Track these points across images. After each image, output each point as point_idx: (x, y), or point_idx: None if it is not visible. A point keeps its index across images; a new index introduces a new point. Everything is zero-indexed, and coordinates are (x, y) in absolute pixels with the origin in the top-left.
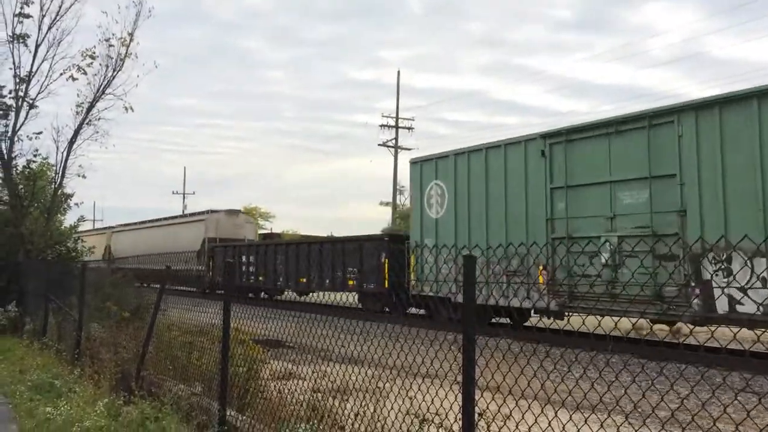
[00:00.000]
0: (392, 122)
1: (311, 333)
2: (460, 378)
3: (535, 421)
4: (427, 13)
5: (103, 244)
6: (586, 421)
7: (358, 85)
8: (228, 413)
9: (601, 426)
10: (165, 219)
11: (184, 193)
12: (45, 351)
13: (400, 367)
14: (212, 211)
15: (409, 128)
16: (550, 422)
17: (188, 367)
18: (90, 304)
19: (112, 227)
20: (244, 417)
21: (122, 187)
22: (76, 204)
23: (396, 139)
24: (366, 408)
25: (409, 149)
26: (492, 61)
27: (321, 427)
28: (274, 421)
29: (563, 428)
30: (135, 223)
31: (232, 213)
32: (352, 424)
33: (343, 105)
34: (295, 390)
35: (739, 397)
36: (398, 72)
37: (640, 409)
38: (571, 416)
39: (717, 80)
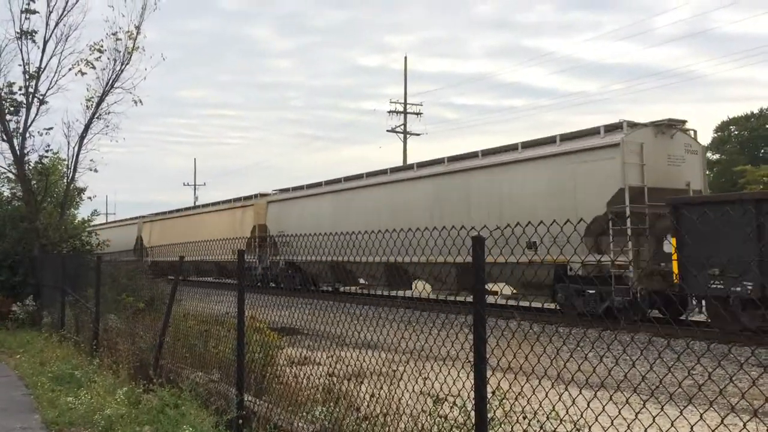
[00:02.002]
0: (400, 108)
1: (325, 319)
2: (471, 358)
3: (546, 397)
4: None
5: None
6: (595, 396)
7: (366, 72)
8: (246, 398)
9: (610, 400)
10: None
11: (195, 185)
12: (64, 343)
13: (413, 349)
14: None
15: (418, 114)
16: (560, 397)
17: (205, 354)
18: (106, 296)
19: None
20: (262, 401)
21: (133, 180)
22: (89, 198)
23: (405, 124)
24: (381, 390)
25: (418, 134)
26: (500, 44)
27: (337, 410)
28: (291, 404)
29: (573, 403)
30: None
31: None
32: (368, 406)
33: (351, 92)
34: (311, 375)
35: (746, 369)
36: (405, 57)
37: (648, 384)
38: (580, 391)
39: (727, 56)
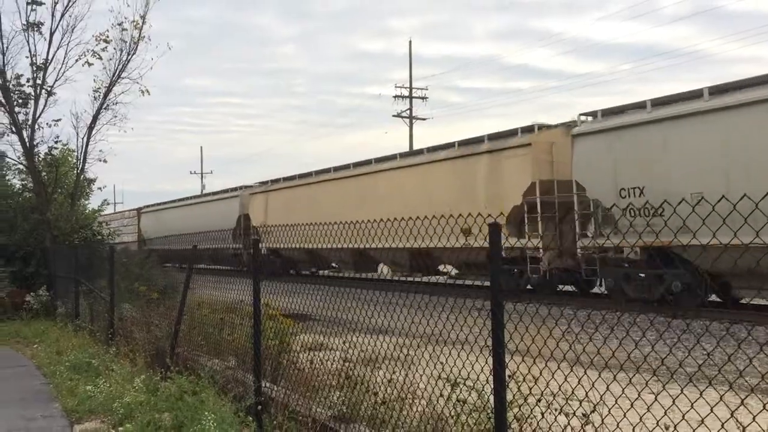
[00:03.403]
0: (406, 93)
1: (338, 305)
2: (488, 343)
3: (565, 380)
4: None
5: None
6: (614, 378)
7: (369, 57)
8: (263, 384)
9: (630, 382)
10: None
11: (201, 173)
12: (79, 332)
13: (430, 334)
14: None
15: (423, 98)
16: (579, 380)
17: (221, 342)
18: (120, 285)
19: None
20: (279, 387)
21: (139, 169)
22: (99, 188)
23: (410, 109)
24: (398, 375)
25: (424, 119)
26: (505, 26)
27: (355, 394)
28: (308, 390)
29: (593, 386)
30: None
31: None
32: (385, 390)
33: (355, 77)
34: (327, 360)
35: (766, 350)
36: (410, 41)
37: (667, 366)
38: (600, 374)
39: (734, 35)
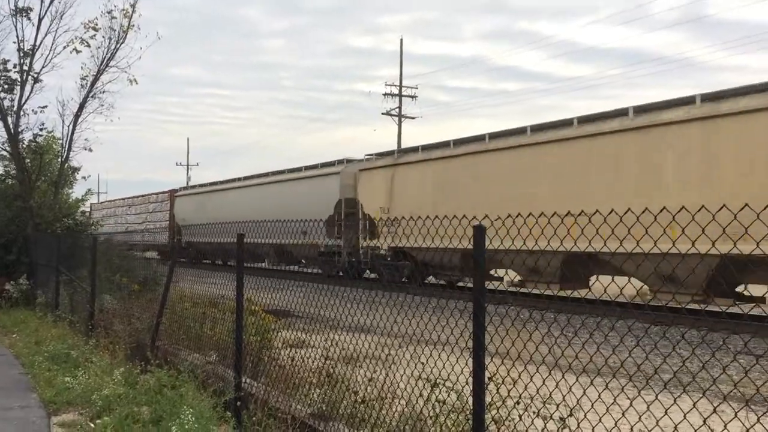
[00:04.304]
0: (395, 90)
1: (321, 303)
2: (469, 345)
3: (543, 383)
4: None
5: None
6: (591, 383)
7: (359, 53)
8: (243, 380)
9: (606, 387)
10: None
11: (188, 165)
12: (58, 323)
13: (411, 334)
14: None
15: (413, 96)
16: (557, 384)
17: (202, 336)
18: (101, 276)
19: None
20: (259, 384)
21: (124, 159)
22: (83, 177)
23: (399, 107)
24: (378, 374)
25: (413, 117)
26: (495, 27)
27: (334, 393)
28: (288, 387)
29: (570, 390)
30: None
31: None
32: (365, 389)
33: (344, 74)
34: (307, 357)
35: (739, 359)
36: (401, 40)
37: (643, 372)
38: (577, 379)
39: (722, 43)
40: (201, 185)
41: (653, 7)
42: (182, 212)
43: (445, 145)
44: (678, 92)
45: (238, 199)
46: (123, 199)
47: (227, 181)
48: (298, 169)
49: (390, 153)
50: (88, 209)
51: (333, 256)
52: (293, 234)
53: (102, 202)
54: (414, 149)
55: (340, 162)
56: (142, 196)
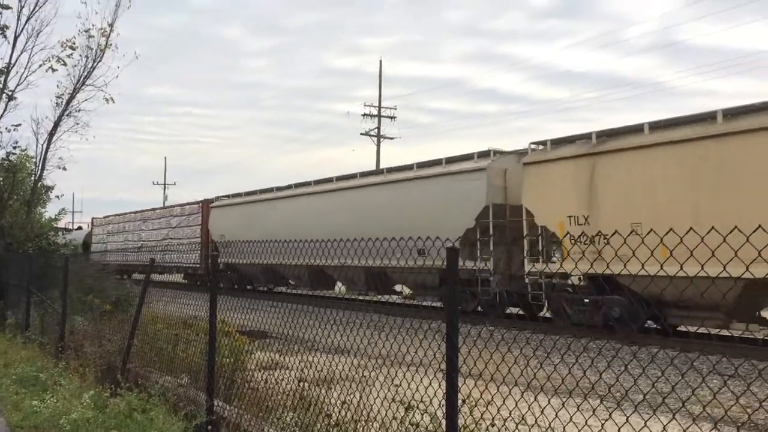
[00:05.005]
0: (375, 111)
1: (296, 323)
2: (443, 366)
3: (516, 406)
4: (406, 0)
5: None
6: (563, 405)
7: (340, 74)
8: (215, 403)
9: (578, 409)
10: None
11: (165, 184)
12: (28, 345)
13: (385, 356)
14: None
15: (392, 117)
16: (530, 406)
17: (174, 359)
18: (72, 296)
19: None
20: (232, 407)
21: (100, 178)
22: (57, 196)
23: (378, 128)
24: (352, 396)
25: (392, 138)
26: (474, 50)
27: (308, 416)
28: (261, 410)
29: (542, 411)
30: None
31: None
32: (339, 412)
33: (326, 94)
34: (282, 380)
35: (708, 380)
36: (380, 61)
37: (617, 393)
38: (549, 400)
39: (694, 69)
40: (247, 193)
41: (628, 32)
42: (220, 226)
43: (679, 122)
44: (649, 116)
45: (308, 208)
46: (135, 212)
47: (286, 188)
48: (407, 168)
49: (583, 137)
50: (88, 224)
51: (473, 284)
52: (403, 253)
53: (107, 217)
54: (630, 129)
55: (483, 155)
56: (162, 208)
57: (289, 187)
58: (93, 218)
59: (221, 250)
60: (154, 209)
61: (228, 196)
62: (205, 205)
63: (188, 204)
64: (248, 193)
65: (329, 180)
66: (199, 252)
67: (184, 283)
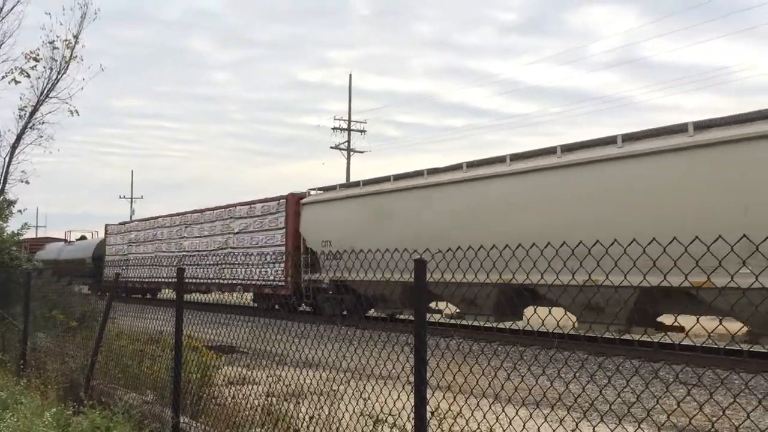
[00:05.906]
0: (344, 125)
1: (265, 338)
2: (412, 378)
3: (484, 417)
4: (374, 14)
5: None
6: (531, 416)
7: (308, 87)
8: (182, 420)
9: (545, 420)
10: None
11: (132, 198)
12: None
13: (354, 369)
14: None
15: (362, 131)
16: (497, 418)
17: (139, 375)
18: (35, 312)
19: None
20: (198, 423)
21: (64, 191)
22: (20, 211)
23: (348, 142)
24: (321, 411)
25: (362, 152)
26: (442, 64)
27: (276, 431)
28: (228, 426)
29: (510, 423)
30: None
31: None
32: (307, 427)
33: (294, 107)
34: (250, 395)
35: (672, 390)
36: (350, 75)
37: (585, 403)
38: (517, 411)
39: (657, 84)
40: (367, 182)
41: (592, 48)
42: (319, 230)
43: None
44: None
45: (499, 195)
46: (170, 216)
47: (451, 168)
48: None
49: (334, 187)
50: (92, 233)
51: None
52: None
53: (124, 223)
54: (332, 186)
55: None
56: (217, 208)
57: (457, 167)
58: (106, 225)
59: (325, 263)
60: (201, 211)
61: (341, 187)
62: (293, 200)
63: (260, 201)
64: (369, 181)
65: (542, 152)
66: (282, 264)
67: (253, 307)
